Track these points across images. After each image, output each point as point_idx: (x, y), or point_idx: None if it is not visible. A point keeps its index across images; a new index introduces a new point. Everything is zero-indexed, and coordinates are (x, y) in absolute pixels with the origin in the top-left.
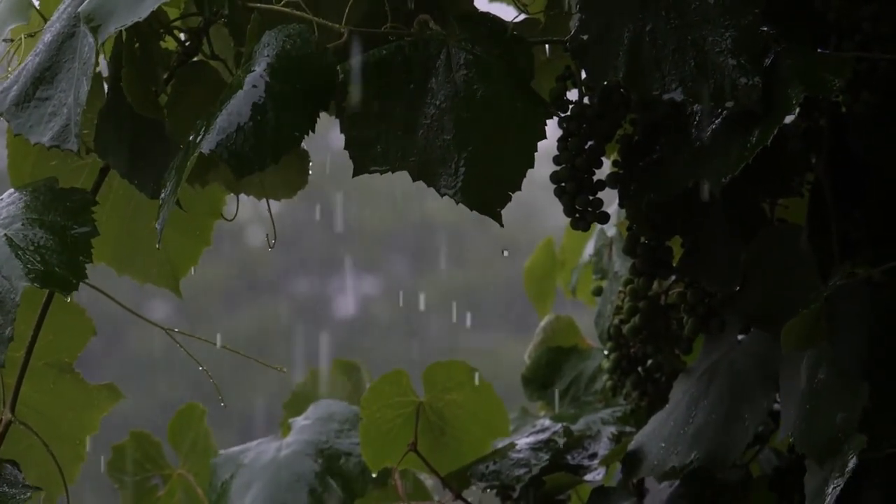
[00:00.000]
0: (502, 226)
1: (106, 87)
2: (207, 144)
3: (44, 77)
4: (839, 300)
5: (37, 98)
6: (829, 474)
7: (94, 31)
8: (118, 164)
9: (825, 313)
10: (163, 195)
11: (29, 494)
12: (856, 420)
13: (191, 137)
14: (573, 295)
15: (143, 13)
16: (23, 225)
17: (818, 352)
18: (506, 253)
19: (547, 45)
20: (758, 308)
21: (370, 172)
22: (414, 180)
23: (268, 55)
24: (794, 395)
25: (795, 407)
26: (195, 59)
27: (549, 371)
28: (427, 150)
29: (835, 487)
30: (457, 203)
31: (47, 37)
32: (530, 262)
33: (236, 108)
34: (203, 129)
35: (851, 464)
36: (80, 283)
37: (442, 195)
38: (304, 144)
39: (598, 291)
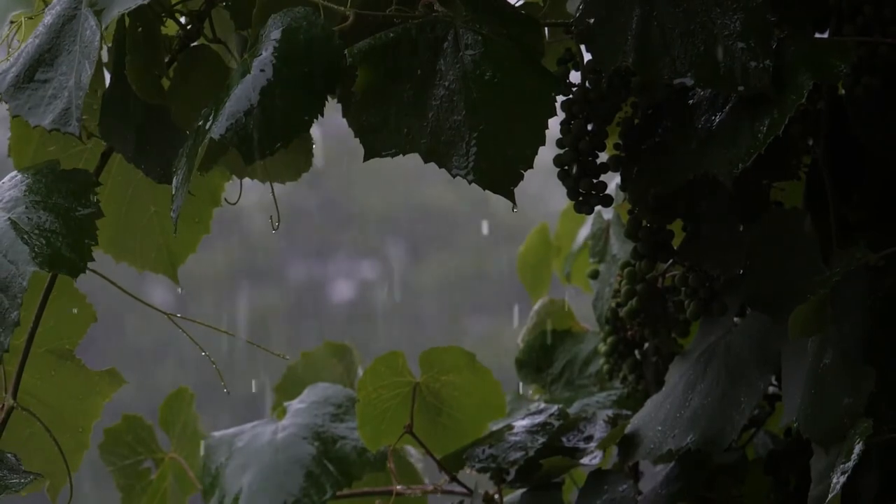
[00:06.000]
0: (515, 205)
1: (106, 71)
2: (217, 130)
3: (43, 59)
4: (840, 285)
5: (36, 80)
6: (835, 459)
7: (98, 14)
8: (125, 149)
9: (830, 299)
10: (175, 183)
11: (31, 478)
12: (862, 405)
13: (199, 123)
14: (568, 281)
15: None
16: (26, 208)
17: (823, 336)
18: None
19: (546, 28)
20: (761, 292)
21: (381, 156)
22: (425, 162)
23: (274, 38)
24: (797, 379)
25: (800, 392)
26: (196, 42)
27: (543, 354)
28: (438, 131)
29: (843, 473)
30: (469, 183)
31: (48, 19)
32: (524, 248)
33: (245, 93)
34: (212, 114)
35: (858, 448)
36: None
37: (454, 176)
38: None
39: (594, 275)
